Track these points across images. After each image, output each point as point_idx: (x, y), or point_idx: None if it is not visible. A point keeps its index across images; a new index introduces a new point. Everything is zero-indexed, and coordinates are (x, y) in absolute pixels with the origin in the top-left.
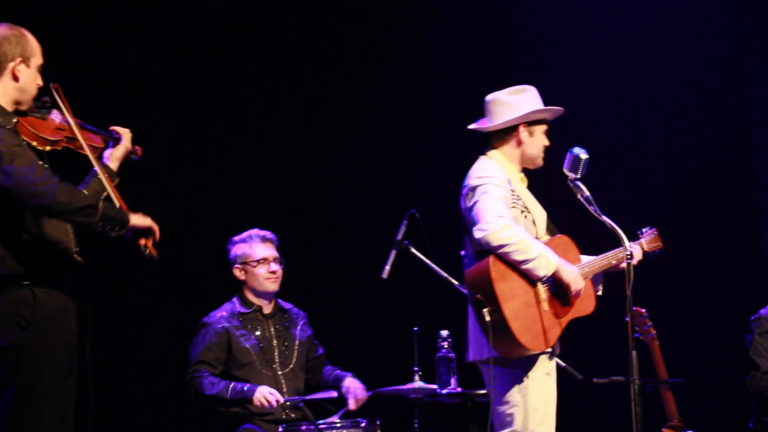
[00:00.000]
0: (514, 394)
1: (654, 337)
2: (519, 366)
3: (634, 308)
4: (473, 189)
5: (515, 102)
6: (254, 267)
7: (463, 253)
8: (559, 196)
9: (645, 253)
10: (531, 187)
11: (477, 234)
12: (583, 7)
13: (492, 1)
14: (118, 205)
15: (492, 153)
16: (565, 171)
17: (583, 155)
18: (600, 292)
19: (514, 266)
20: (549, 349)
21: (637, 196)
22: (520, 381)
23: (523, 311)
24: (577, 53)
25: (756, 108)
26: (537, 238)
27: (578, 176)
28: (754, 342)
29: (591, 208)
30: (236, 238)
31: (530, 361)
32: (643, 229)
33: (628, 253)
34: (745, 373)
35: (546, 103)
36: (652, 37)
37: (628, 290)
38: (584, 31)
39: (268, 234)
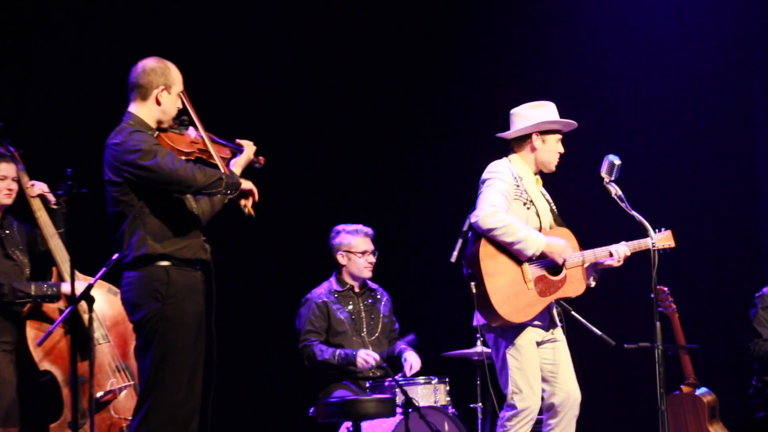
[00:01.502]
0: (506, 359)
1: (674, 310)
2: (509, 335)
3: (658, 287)
4: (482, 182)
5: (531, 114)
6: (357, 257)
7: (470, 234)
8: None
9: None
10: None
11: (472, 219)
12: (603, 30)
13: (530, 28)
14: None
15: (511, 156)
16: (602, 174)
17: (617, 161)
18: (593, 284)
19: (504, 249)
20: (537, 322)
21: (651, 190)
22: (509, 348)
23: (506, 288)
24: (590, 65)
25: (758, 105)
26: (540, 227)
27: (612, 178)
28: (757, 315)
29: (623, 205)
30: (342, 229)
31: (518, 331)
32: (659, 229)
33: (653, 242)
34: (749, 340)
35: (569, 116)
36: (658, 45)
37: (653, 272)
38: (600, 49)
39: (369, 231)
